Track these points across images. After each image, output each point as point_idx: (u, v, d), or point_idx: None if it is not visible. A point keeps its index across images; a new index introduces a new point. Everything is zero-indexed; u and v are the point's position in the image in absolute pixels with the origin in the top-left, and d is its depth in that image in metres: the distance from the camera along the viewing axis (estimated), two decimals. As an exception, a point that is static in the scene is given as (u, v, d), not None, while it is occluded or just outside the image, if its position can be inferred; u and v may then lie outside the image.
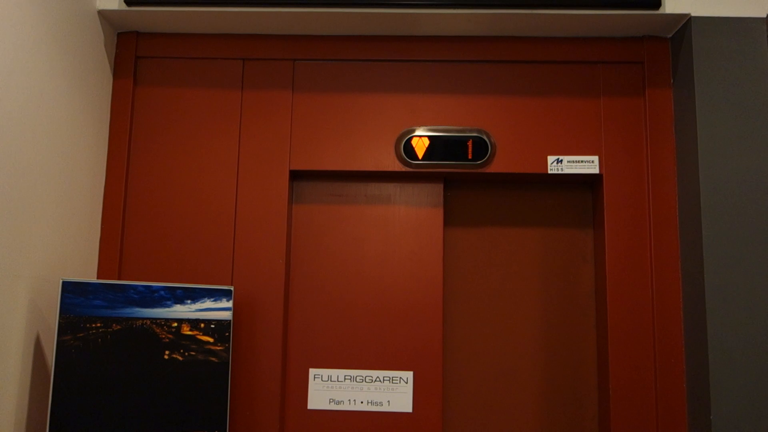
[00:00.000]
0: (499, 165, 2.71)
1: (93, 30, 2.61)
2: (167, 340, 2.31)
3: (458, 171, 2.72)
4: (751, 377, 2.33)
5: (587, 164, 2.70)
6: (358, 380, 2.68)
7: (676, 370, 2.54)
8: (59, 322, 2.13)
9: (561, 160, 2.71)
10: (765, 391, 2.32)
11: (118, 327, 2.23)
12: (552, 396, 2.74)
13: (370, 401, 2.66)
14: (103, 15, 2.66)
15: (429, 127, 2.74)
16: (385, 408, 2.65)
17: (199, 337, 2.37)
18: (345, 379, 2.68)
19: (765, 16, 2.53)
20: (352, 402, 2.66)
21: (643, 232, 2.64)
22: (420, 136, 2.73)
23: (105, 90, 2.72)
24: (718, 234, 2.41)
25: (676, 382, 2.54)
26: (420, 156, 2.71)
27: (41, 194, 2.25)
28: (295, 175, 2.80)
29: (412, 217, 2.78)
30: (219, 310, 2.42)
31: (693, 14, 2.55)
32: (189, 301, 2.37)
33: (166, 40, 2.81)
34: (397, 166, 2.73)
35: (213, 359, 2.39)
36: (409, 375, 2.67)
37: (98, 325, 2.19)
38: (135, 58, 2.79)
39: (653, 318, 2.58)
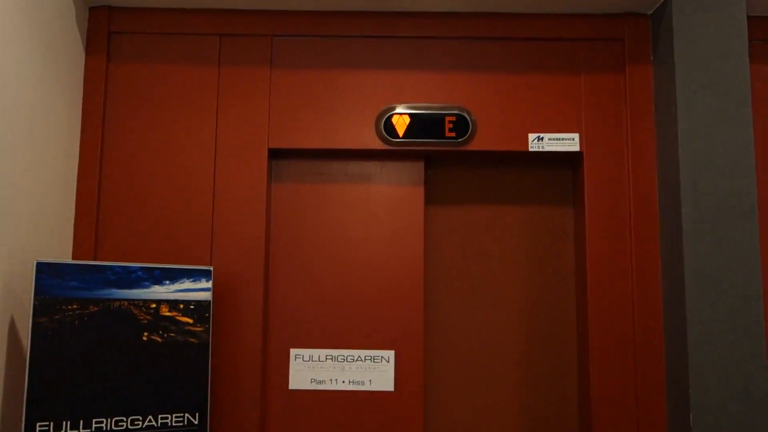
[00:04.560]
0: (480, 143, 2.70)
1: (63, 4, 2.53)
2: (146, 321, 2.27)
3: (439, 149, 2.70)
4: (728, 352, 2.36)
5: (568, 142, 2.70)
6: (339, 360, 2.67)
7: (655, 345, 2.57)
8: (34, 304, 2.08)
9: (542, 138, 2.70)
10: (742, 366, 2.35)
11: (95, 308, 2.19)
12: (533, 373, 2.76)
13: (351, 381, 2.66)
14: (74, -12, 2.59)
15: (409, 105, 2.71)
16: (366, 387, 2.65)
17: (178, 318, 2.34)
18: (326, 358, 2.67)
19: (744, -8, 2.54)
20: (333, 381, 2.66)
21: (623, 209, 2.66)
22: (401, 114, 2.70)
23: (77, 67, 2.64)
24: (697, 210, 2.43)
25: (655, 356, 2.57)
26: (401, 134, 2.69)
27: (13, 174, 2.19)
28: (275, 154, 2.77)
29: (393, 195, 2.77)
30: (198, 290, 2.39)
31: (673, -9, 2.55)
32: (167, 282, 2.33)
33: (140, 14, 2.74)
34: (377, 144, 2.70)
35: (193, 340, 2.36)
36: (390, 354, 2.67)
37: (75, 306, 2.15)
38: (108, 33, 2.72)
39: (633, 294, 2.61)
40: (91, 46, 2.71)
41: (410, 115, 2.71)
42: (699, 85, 2.50)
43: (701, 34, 2.53)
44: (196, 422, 2.32)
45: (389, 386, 2.65)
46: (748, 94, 2.49)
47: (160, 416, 2.26)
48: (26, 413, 2.03)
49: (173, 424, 2.28)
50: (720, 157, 2.46)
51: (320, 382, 2.66)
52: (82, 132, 2.67)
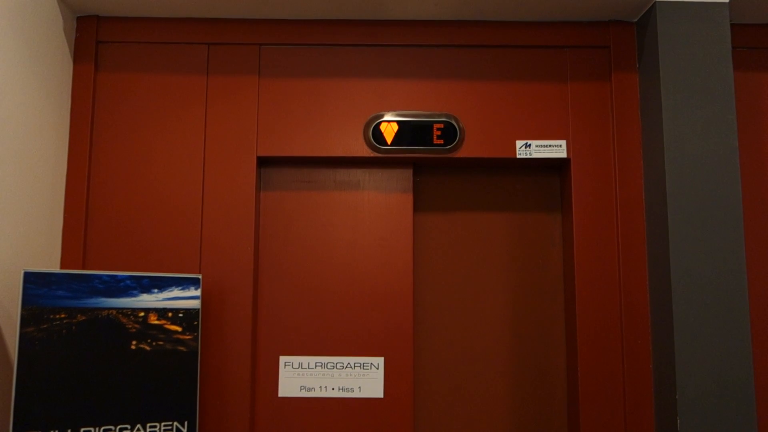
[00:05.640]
0: (468, 150, 2.71)
1: (51, 13, 2.53)
2: (134, 330, 2.27)
3: (427, 156, 2.72)
4: (715, 356, 2.37)
5: (555, 148, 2.72)
6: (329, 367, 2.67)
7: (642, 351, 2.59)
8: (21, 314, 2.07)
9: (529, 145, 2.72)
10: (729, 370, 2.36)
11: (83, 318, 2.18)
12: (521, 379, 2.77)
13: (341, 388, 2.66)
14: (62, -2, 2.59)
15: (397, 112, 2.73)
16: (356, 394, 2.65)
17: (166, 326, 2.34)
18: (316, 366, 2.67)
19: (728, 0, 2.56)
20: (323, 389, 2.66)
21: (610, 216, 2.67)
22: (389, 121, 2.71)
23: (65, 76, 2.65)
24: (683, 216, 2.45)
25: (643, 362, 2.58)
26: (389, 141, 2.70)
27: (0, 184, 2.18)
28: (263, 162, 2.77)
29: (382, 202, 2.77)
30: (187, 298, 2.39)
31: (658, -1, 2.58)
32: (156, 290, 2.33)
33: (127, 23, 2.75)
34: (365, 152, 2.71)
35: (182, 349, 2.36)
36: (380, 361, 2.67)
37: (62, 316, 2.15)
38: (96, 42, 2.73)
39: (620, 300, 2.62)
40: (79, 56, 2.71)
41: (398, 122, 2.72)
42: (684, 91, 2.52)
43: (686, 42, 2.55)
44: (184, 430, 2.32)
45: (379, 393, 2.65)
46: (732, 100, 2.51)
47: (148, 425, 2.26)
48: (14, 423, 2.02)
49: (162, 432, 2.28)
50: (705, 163, 2.48)
51: (310, 389, 2.66)
52: (71, 141, 2.67)
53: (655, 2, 2.57)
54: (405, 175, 2.80)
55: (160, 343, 2.32)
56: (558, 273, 2.83)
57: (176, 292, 2.38)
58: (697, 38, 2.55)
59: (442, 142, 2.70)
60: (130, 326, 2.27)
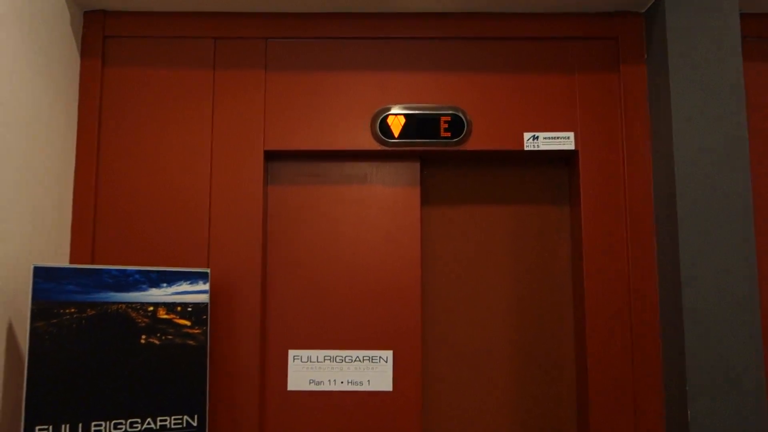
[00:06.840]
0: (475, 142, 2.71)
1: (58, 8, 2.53)
2: (143, 324, 2.28)
3: (435, 149, 2.71)
4: (725, 348, 2.36)
5: (563, 140, 2.71)
6: (337, 360, 2.67)
7: (652, 343, 2.58)
8: (32, 309, 2.08)
9: (537, 137, 2.71)
10: (739, 362, 2.36)
11: (93, 312, 2.19)
12: (530, 371, 2.77)
13: (350, 381, 2.66)
14: (69, -7, 2.59)
15: (404, 105, 2.72)
16: (365, 387, 2.66)
17: (175, 320, 2.34)
18: (325, 359, 2.67)
19: (737, -10, 2.54)
20: (332, 382, 2.66)
21: (619, 208, 2.66)
22: (396, 115, 2.71)
23: (72, 71, 2.65)
24: (693, 208, 2.44)
25: (653, 354, 2.58)
26: (396, 134, 2.70)
27: (9, 179, 2.19)
28: (270, 156, 2.77)
29: (389, 196, 2.77)
30: (196, 293, 2.40)
31: (666, -11, 2.56)
32: (165, 285, 2.34)
33: (134, 18, 2.75)
34: (373, 145, 2.71)
35: (191, 342, 2.36)
36: (388, 354, 2.67)
37: (72, 310, 2.16)
38: (103, 37, 2.73)
39: (629, 292, 2.61)
40: (86, 50, 2.71)
41: (405, 115, 2.71)
42: (693, 82, 2.51)
43: (694, 32, 2.53)
44: (194, 424, 2.33)
45: (387, 386, 2.66)
46: (741, 90, 2.49)
47: (158, 418, 2.27)
48: (25, 417, 2.03)
49: (172, 426, 2.28)
50: (714, 154, 2.47)
51: (319, 382, 2.66)
52: (78, 136, 2.67)
53: (664, -8, 2.56)
54: (412, 169, 2.80)
55: (170, 337, 2.33)
56: (566, 265, 2.82)
57: (185, 287, 2.38)
58: (707, 28, 2.53)
59: (449, 135, 2.70)
60: (140, 320, 2.28)
